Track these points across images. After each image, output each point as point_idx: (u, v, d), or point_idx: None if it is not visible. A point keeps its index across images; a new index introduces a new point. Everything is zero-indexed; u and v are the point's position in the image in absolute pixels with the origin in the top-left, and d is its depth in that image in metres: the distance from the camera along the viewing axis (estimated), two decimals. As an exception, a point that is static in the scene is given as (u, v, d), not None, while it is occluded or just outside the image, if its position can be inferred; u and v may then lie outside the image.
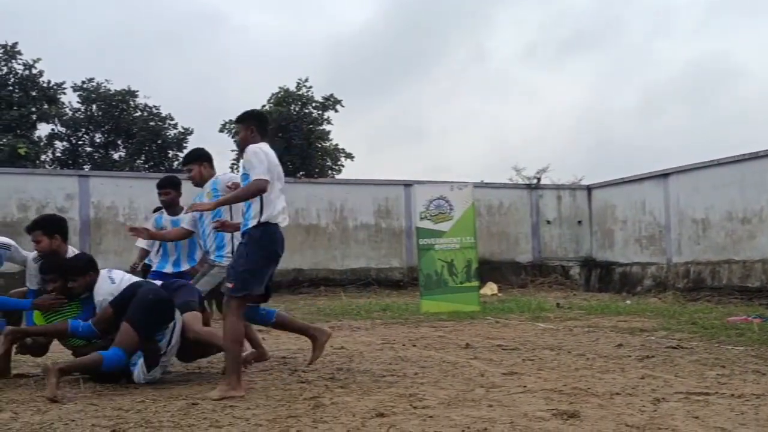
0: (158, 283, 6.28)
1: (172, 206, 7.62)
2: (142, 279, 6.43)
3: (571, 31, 54.82)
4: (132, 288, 5.88)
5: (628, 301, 15.49)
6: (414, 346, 8.17)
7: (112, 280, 6.01)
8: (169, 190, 7.60)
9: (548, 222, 22.85)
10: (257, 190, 5.37)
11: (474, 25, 54.46)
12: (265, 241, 5.46)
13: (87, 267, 6.11)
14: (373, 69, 54.00)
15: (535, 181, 23.23)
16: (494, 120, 51.90)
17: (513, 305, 13.98)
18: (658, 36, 54.26)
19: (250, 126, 5.83)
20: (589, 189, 23.24)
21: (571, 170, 45.64)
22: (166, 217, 7.66)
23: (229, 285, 5.36)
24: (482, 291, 16.03)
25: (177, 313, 5.87)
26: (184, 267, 7.39)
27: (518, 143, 50.16)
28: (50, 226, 6.47)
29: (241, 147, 5.74)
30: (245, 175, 5.51)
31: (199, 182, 6.82)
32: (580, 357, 6.95)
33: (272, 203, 5.49)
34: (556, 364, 6.50)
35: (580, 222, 23.01)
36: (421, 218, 13.45)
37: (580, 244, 23.00)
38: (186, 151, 7.24)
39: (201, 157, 6.98)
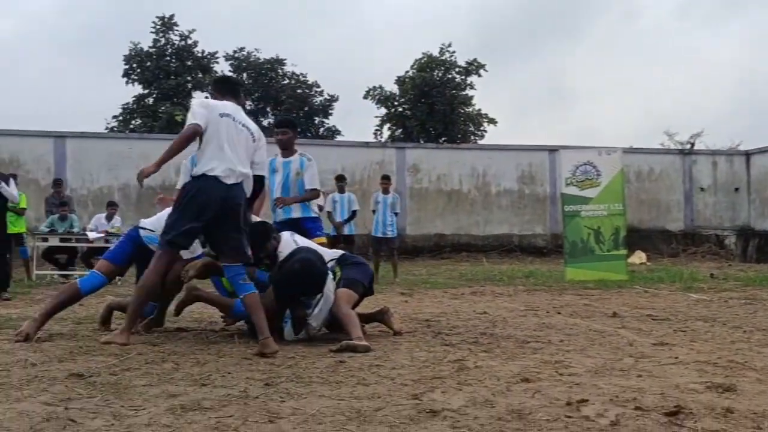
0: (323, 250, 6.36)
1: (288, 147, 7.71)
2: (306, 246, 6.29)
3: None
4: (291, 254, 5.99)
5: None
6: (558, 313, 8.04)
7: (296, 243, 6.15)
8: (287, 129, 7.77)
9: (702, 189, 21.85)
10: (185, 136, 5.65)
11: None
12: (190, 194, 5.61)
13: (269, 233, 6.13)
14: (518, 32, 53.02)
15: (688, 146, 22.25)
16: (646, 82, 49.86)
17: (663, 275, 13.49)
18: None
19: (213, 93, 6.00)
20: (747, 154, 21.99)
21: (728, 135, 43.30)
22: (279, 160, 7.72)
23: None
24: (630, 260, 15.55)
25: (330, 286, 5.97)
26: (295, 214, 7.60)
27: (672, 107, 48.04)
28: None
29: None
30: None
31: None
32: (736, 329, 6.62)
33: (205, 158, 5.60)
34: (709, 336, 6.23)
35: (737, 189, 21.86)
36: (567, 184, 13.15)
37: (736, 213, 21.87)
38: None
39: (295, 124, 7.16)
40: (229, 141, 5.67)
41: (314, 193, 7.51)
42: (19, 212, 12.62)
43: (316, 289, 5.83)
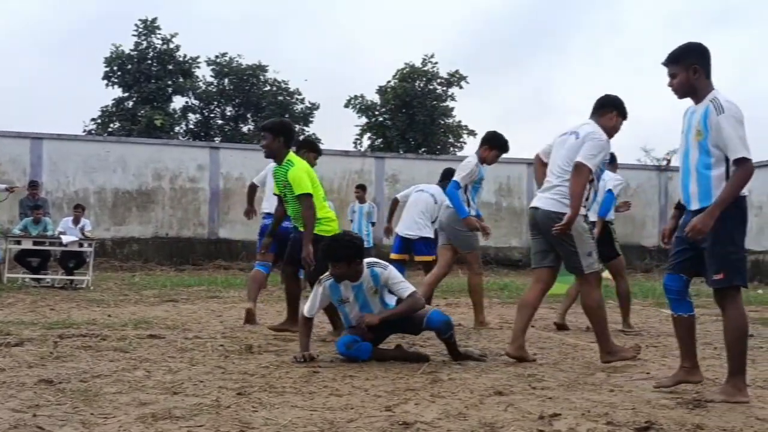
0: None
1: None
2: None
3: (716, 2, 52.00)
4: None
5: (760, 291, 14.74)
6: (532, 326, 8.04)
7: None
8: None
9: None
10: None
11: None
12: None
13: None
14: (501, 44, 53.31)
15: (664, 162, 22.42)
16: (627, 96, 50.07)
17: (636, 290, 13.55)
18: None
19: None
20: (723, 172, 22.25)
21: (703, 152, 43.62)
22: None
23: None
24: (605, 275, 15.58)
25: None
26: None
27: (651, 122, 48.38)
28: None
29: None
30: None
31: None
32: (707, 346, 6.68)
33: None
34: (681, 353, 6.27)
35: (711, 206, 22.10)
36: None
37: (710, 230, 22.10)
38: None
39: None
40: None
41: None
42: None
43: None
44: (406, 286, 5.53)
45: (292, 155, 6.88)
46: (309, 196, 6.63)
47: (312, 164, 7.50)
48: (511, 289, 13.47)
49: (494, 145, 8.00)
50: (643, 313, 9.73)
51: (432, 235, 9.06)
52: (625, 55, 52.69)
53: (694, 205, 4.42)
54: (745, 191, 4.31)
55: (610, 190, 7.92)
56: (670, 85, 4.52)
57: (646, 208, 21.90)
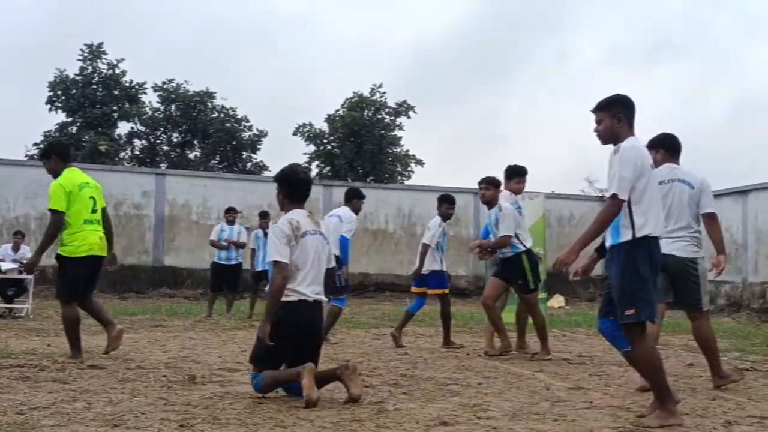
0: None
1: (491, 203, 8.35)
2: None
3: (658, 36, 53.35)
4: None
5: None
6: (479, 355, 8.12)
7: None
8: (490, 186, 8.32)
9: (620, 235, 22.50)
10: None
11: (557, 29, 53.66)
12: None
13: None
14: (450, 74, 53.81)
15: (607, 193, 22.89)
16: (573, 128, 51.03)
17: (580, 319, 13.77)
18: (750, 44, 52.51)
19: None
20: (663, 203, 22.77)
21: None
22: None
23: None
24: (549, 303, 15.81)
25: None
26: None
27: (596, 153, 49.24)
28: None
29: None
30: None
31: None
32: (649, 375, 6.79)
33: None
34: (623, 381, 6.38)
35: (653, 237, 22.58)
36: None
37: (652, 260, 22.56)
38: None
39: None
40: None
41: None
42: None
43: None
44: None
45: (68, 171, 7.07)
46: (57, 212, 7.00)
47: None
48: (456, 317, 13.51)
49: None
50: (587, 342, 9.86)
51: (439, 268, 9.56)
52: (570, 86, 53.70)
53: (607, 242, 4.84)
54: (649, 230, 4.57)
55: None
56: (596, 130, 4.86)
57: (589, 238, 22.27)
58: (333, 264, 5.62)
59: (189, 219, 19.80)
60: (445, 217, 9.61)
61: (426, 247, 9.37)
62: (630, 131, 4.78)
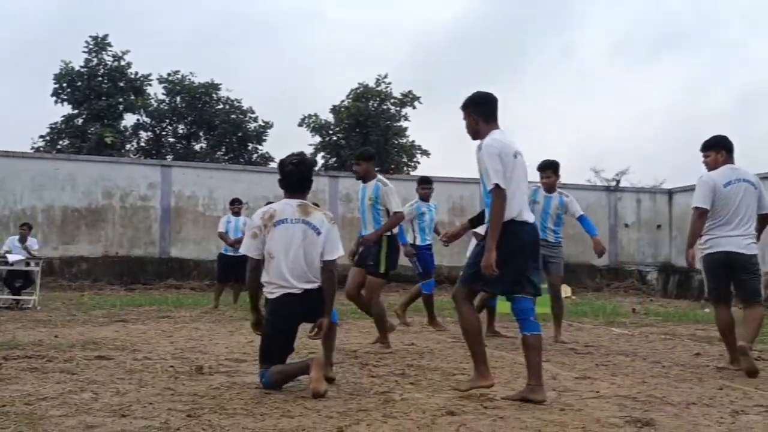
0: None
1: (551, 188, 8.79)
2: None
3: (664, 28, 53.10)
4: None
5: (707, 309, 15.01)
6: (486, 346, 8.10)
7: None
8: (550, 174, 8.72)
9: (626, 225, 22.41)
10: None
11: (562, 22, 53.47)
12: None
13: None
14: (455, 65, 53.74)
15: (614, 183, 22.79)
16: (578, 119, 50.91)
17: (587, 309, 13.77)
18: (756, 36, 52.25)
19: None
20: (670, 193, 22.68)
21: (652, 174, 44.32)
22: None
23: None
24: (566, 290, 15.79)
25: None
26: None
27: (601, 144, 49.13)
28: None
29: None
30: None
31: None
32: (655, 364, 6.80)
33: None
34: (630, 371, 6.37)
35: (659, 226, 22.48)
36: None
37: (658, 249, 22.48)
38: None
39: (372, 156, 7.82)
40: None
41: (397, 217, 7.65)
42: None
43: None
44: None
45: None
46: None
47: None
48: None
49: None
50: (594, 332, 9.85)
51: None
52: (575, 78, 53.53)
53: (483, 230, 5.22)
54: (512, 215, 4.91)
55: None
56: (466, 128, 5.28)
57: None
58: (332, 258, 5.35)
59: (195, 210, 19.81)
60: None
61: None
62: (489, 125, 5.14)
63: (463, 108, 5.28)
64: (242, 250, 5.40)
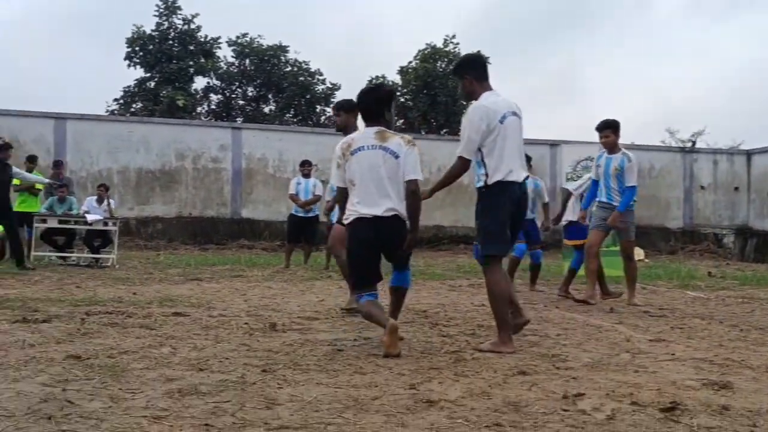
0: None
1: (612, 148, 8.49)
2: None
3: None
4: None
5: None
6: (557, 307, 8.06)
7: None
8: (609, 133, 8.44)
9: (702, 187, 21.85)
10: None
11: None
12: None
13: None
14: (525, 24, 52.80)
15: (689, 144, 22.19)
16: (652, 78, 49.55)
17: (661, 272, 13.51)
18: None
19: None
20: (748, 154, 21.99)
21: (730, 134, 43.01)
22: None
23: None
24: (638, 252, 15.53)
25: None
26: None
27: (676, 104, 47.75)
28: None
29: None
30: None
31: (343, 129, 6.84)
32: (732, 328, 6.64)
33: None
34: (706, 334, 6.23)
35: (737, 188, 21.86)
36: (567, 179, 13.17)
37: (735, 212, 21.88)
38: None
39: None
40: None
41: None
42: (34, 192, 13.40)
43: None
44: None
45: None
46: None
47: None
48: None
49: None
50: (668, 295, 9.67)
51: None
52: (650, 36, 52.03)
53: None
54: (500, 176, 5.18)
55: None
56: (459, 93, 5.56)
57: (670, 190, 21.72)
58: (412, 177, 5.29)
59: (265, 172, 20.06)
60: None
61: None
62: (483, 86, 5.35)
63: (458, 72, 5.49)
64: (331, 182, 5.66)
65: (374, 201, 5.22)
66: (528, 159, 10.30)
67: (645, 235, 19.95)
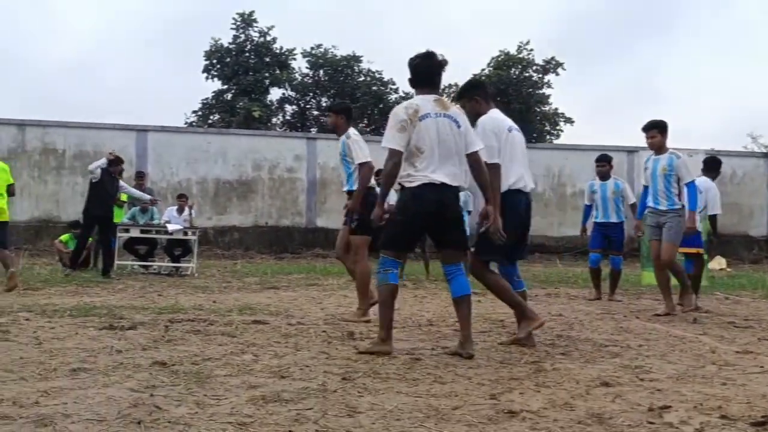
0: None
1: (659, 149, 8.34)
2: None
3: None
4: None
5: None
6: (637, 318, 7.89)
7: None
8: (655, 133, 8.30)
9: (787, 194, 21.11)
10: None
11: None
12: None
13: None
14: (601, 29, 52.07)
15: (773, 149, 21.50)
16: (733, 81, 48.18)
17: (745, 281, 13.10)
18: None
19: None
20: (835, 159, 21.17)
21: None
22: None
23: None
24: (710, 265, 15.11)
25: None
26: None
27: (759, 108, 46.29)
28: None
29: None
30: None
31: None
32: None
33: None
34: (797, 346, 6.01)
35: (824, 194, 21.06)
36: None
37: (823, 219, 21.07)
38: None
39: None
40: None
41: (366, 167, 7.21)
42: (119, 204, 13.70)
43: None
44: None
45: None
46: None
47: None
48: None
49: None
50: (753, 306, 9.37)
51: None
52: (731, 39, 50.62)
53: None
54: (508, 185, 5.63)
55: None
56: (467, 113, 5.56)
57: (753, 197, 21.05)
58: (474, 149, 5.27)
59: (340, 182, 20.20)
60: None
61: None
62: (489, 105, 5.84)
63: (468, 94, 5.93)
64: (385, 143, 5.24)
65: (444, 168, 5.18)
66: (609, 159, 10.21)
67: (727, 243, 19.37)
